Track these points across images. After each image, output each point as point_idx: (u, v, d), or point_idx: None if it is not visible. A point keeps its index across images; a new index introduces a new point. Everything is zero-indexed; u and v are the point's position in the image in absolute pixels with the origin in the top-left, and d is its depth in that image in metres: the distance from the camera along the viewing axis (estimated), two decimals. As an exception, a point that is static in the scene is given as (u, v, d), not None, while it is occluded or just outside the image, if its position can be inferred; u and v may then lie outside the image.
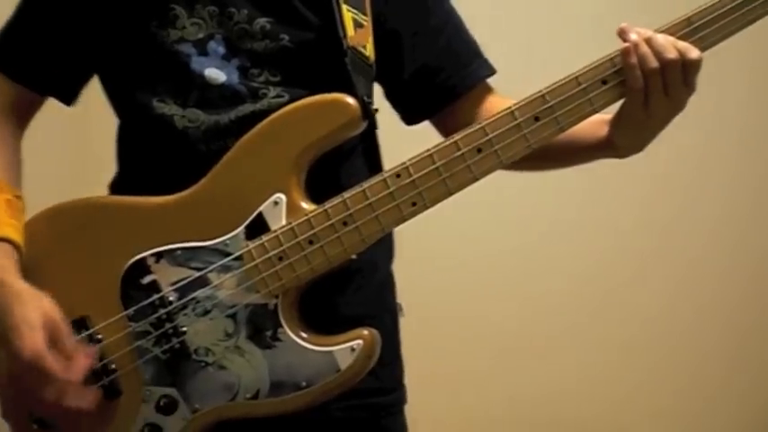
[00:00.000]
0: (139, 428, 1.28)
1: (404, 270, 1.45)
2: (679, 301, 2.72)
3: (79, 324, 1.29)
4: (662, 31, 1.18)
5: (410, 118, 1.45)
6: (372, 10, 1.36)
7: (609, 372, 2.71)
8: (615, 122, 1.26)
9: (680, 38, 1.17)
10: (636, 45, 1.16)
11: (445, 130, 1.39)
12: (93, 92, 1.42)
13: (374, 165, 1.43)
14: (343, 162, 1.35)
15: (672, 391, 2.71)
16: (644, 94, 1.17)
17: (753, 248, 2.75)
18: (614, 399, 2.71)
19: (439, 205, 1.24)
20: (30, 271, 1.29)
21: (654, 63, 1.16)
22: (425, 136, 1.37)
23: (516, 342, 2.69)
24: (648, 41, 1.16)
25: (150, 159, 1.36)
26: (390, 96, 1.44)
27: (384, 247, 1.41)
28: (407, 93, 1.41)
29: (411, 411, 1.44)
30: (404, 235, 1.36)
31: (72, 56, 1.38)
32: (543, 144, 1.21)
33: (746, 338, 2.75)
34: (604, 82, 1.20)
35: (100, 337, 1.29)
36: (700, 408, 2.73)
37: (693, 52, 1.16)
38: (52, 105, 1.44)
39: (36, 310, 1.22)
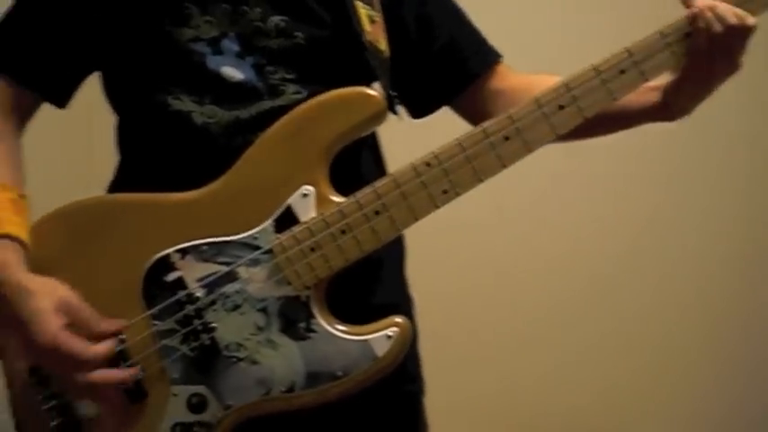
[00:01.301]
0: (169, 429, 1.25)
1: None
2: (670, 296, 2.70)
3: (100, 326, 1.25)
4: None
5: (425, 107, 1.46)
6: (382, 3, 1.38)
7: (603, 365, 2.69)
8: (676, 86, 1.31)
9: (735, 5, 1.25)
10: (702, 11, 1.23)
11: (470, 112, 1.43)
12: (94, 92, 1.39)
13: (378, 159, 1.44)
14: (357, 155, 1.36)
15: (663, 382, 2.71)
16: (708, 55, 1.24)
17: (744, 243, 2.73)
18: (610, 392, 2.68)
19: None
20: (44, 273, 1.25)
21: (719, 27, 1.23)
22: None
23: (510, 335, 2.66)
24: (712, 9, 1.24)
25: (164, 156, 1.33)
26: (404, 89, 1.41)
27: (399, 241, 1.43)
28: (425, 80, 1.43)
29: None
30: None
31: (70, 57, 1.35)
32: (569, 130, 1.27)
33: (738, 333, 2.74)
34: (623, 71, 1.27)
35: (123, 338, 1.25)
36: (691, 400, 2.72)
37: (750, 19, 1.24)
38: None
39: (46, 297, 1.21)
